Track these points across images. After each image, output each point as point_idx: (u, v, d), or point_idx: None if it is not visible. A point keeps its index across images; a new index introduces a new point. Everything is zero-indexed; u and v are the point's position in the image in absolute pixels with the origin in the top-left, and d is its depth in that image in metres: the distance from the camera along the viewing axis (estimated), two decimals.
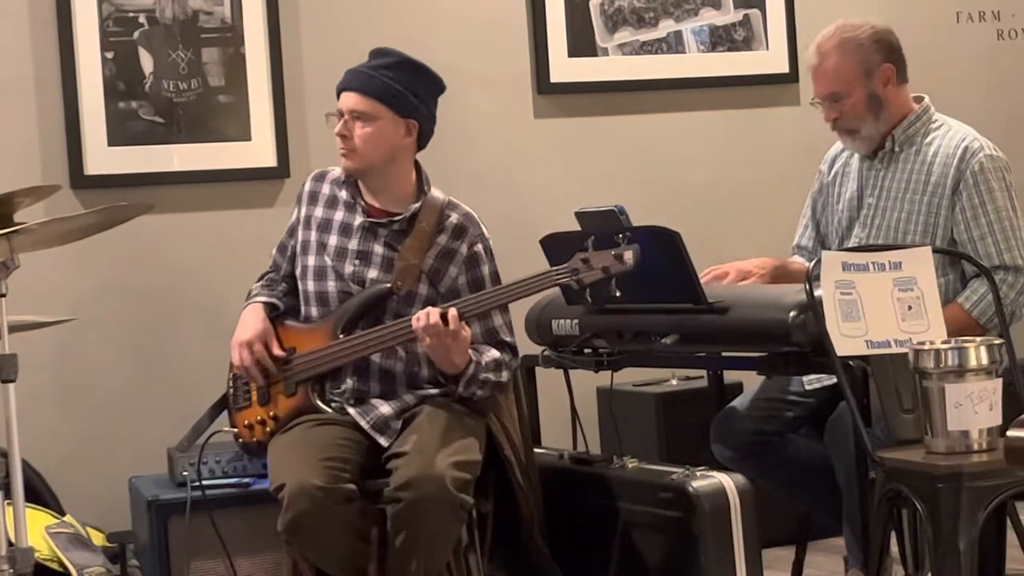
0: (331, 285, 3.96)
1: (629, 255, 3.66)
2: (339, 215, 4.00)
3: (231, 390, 4.07)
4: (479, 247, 3.97)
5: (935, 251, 3.62)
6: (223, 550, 4.05)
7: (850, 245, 4.10)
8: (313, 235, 4.02)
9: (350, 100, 3.90)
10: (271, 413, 3.95)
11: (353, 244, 3.96)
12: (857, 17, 4.13)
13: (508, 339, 3.96)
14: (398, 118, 3.92)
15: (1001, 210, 3.93)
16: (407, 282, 3.90)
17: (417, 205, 3.96)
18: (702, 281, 3.93)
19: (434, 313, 3.71)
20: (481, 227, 4.00)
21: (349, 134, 3.90)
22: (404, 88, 3.91)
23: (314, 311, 3.99)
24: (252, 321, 3.99)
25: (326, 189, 4.06)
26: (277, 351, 3.96)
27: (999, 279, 3.87)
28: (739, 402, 4.18)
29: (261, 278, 4.14)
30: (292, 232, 4.11)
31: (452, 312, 3.72)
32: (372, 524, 3.70)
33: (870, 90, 4.03)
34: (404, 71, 3.92)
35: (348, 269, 3.95)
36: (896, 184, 4.05)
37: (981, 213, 3.93)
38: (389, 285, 3.90)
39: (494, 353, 3.90)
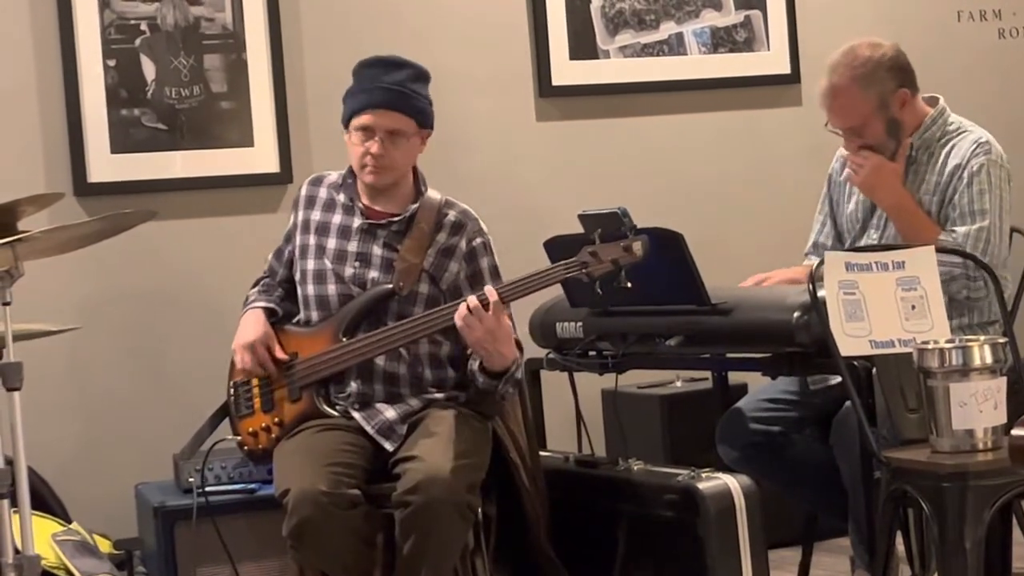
0: (331, 288, 3.96)
1: (638, 246, 3.66)
2: (337, 218, 4.01)
3: (232, 398, 4.07)
4: (478, 241, 3.98)
5: (939, 251, 3.62)
6: (229, 556, 4.05)
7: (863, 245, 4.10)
8: (311, 239, 4.02)
9: (387, 119, 3.88)
10: (276, 419, 3.95)
11: (352, 246, 3.96)
12: (863, 40, 4.07)
13: (514, 335, 3.97)
14: (421, 130, 3.95)
15: (988, 212, 3.91)
16: (409, 282, 3.90)
17: (415, 206, 3.96)
18: (742, 286, 3.96)
19: (472, 300, 3.70)
20: (479, 223, 4.00)
21: (385, 152, 3.90)
22: (426, 100, 3.95)
23: (315, 315, 3.99)
24: (252, 325, 4.00)
25: (323, 193, 4.06)
26: (280, 354, 3.96)
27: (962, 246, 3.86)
28: (744, 403, 4.18)
29: (256, 284, 4.15)
30: (289, 238, 4.11)
31: (489, 290, 3.71)
32: (377, 529, 3.70)
33: (888, 117, 4.02)
34: (421, 82, 3.95)
35: (348, 271, 3.95)
36: (911, 187, 4.04)
37: (967, 212, 3.92)
38: (391, 286, 3.90)
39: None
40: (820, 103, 4.10)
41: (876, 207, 4.11)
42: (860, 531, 3.85)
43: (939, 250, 3.75)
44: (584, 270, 3.71)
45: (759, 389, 4.19)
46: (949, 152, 4.02)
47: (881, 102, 4.01)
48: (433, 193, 4.00)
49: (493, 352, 3.76)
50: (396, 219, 3.96)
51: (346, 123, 3.95)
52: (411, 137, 3.93)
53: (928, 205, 4.01)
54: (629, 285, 3.68)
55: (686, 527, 3.75)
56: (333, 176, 4.08)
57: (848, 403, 3.76)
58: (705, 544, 3.70)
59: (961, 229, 3.91)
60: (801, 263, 4.29)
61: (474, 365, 3.86)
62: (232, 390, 4.06)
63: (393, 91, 3.89)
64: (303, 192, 4.10)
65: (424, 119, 3.95)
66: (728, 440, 4.13)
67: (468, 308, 3.70)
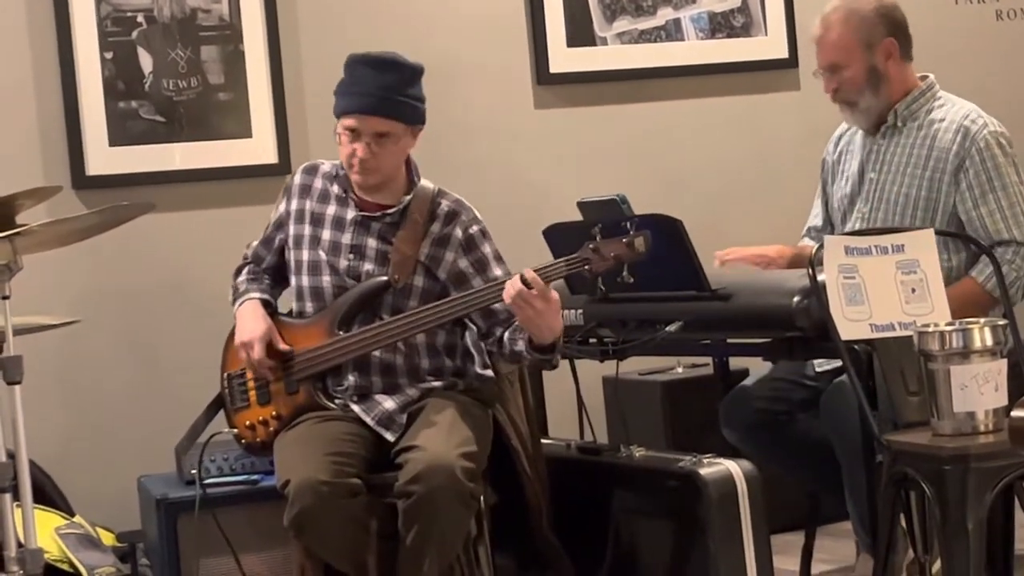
0: (326, 280, 3.95)
1: (640, 242, 3.65)
2: (331, 209, 4.00)
3: (226, 390, 4.06)
4: (474, 229, 3.96)
5: (938, 233, 3.62)
6: (231, 547, 4.05)
7: (852, 220, 4.12)
8: (306, 229, 4.00)
9: (371, 124, 3.85)
10: (273, 412, 3.95)
11: (346, 238, 3.96)
12: None
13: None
14: (411, 127, 3.92)
15: (1008, 186, 3.95)
16: (404, 275, 3.89)
17: (408, 197, 3.95)
18: (720, 258, 3.96)
19: (515, 281, 3.66)
20: (473, 211, 3.98)
21: (371, 155, 3.88)
22: (415, 100, 3.91)
23: (309, 306, 3.98)
24: (253, 319, 3.98)
25: (318, 183, 4.05)
26: (283, 346, 3.95)
27: (1012, 252, 3.88)
28: (749, 383, 4.19)
29: (239, 271, 4.12)
30: (280, 225, 4.08)
31: (528, 272, 3.67)
32: (378, 519, 3.70)
33: (870, 63, 4.04)
34: (411, 81, 3.90)
35: (343, 263, 3.94)
36: (898, 159, 4.06)
37: (989, 190, 3.94)
38: (386, 278, 3.89)
39: None
40: (811, 40, 4.13)
41: (864, 180, 4.12)
42: (859, 510, 3.85)
43: (995, 246, 3.79)
44: (586, 266, 3.70)
45: (765, 370, 4.19)
46: (937, 126, 4.02)
47: (867, 44, 4.04)
48: (426, 183, 3.99)
49: (544, 327, 3.71)
50: (390, 211, 3.95)
51: (335, 117, 3.94)
52: (400, 138, 3.89)
53: (920, 180, 4.01)
54: (632, 280, 3.67)
55: (688, 513, 3.75)
56: (327, 166, 4.06)
57: (836, 380, 3.78)
58: (707, 529, 3.70)
59: (995, 216, 3.91)
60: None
61: (519, 345, 3.82)
62: (226, 382, 4.06)
63: (380, 97, 3.85)
64: (297, 180, 4.08)
65: (414, 118, 3.91)
66: (732, 419, 4.14)
67: (518, 289, 3.64)
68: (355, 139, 3.86)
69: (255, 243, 4.14)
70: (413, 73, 3.92)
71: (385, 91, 3.85)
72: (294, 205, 4.05)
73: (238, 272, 4.12)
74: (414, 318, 3.83)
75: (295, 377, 3.93)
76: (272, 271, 4.10)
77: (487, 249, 3.96)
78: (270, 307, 4.03)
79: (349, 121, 3.86)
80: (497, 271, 3.92)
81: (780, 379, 4.14)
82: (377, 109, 3.85)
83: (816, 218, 4.32)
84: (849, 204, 4.16)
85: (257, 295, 4.03)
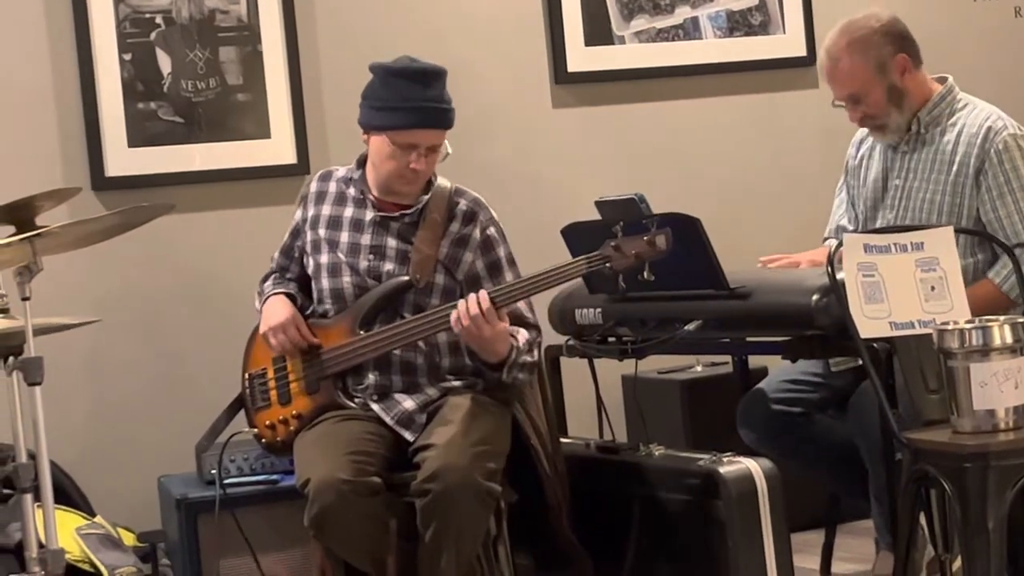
0: (346, 281, 3.96)
1: (661, 239, 3.66)
2: (349, 211, 4.01)
3: (247, 390, 4.07)
4: (491, 230, 3.98)
5: (958, 231, 3.62)
6: (250, 547, 4.06)
7: (877, 227, 4.10)
8: (323, 233, 4.01)
9: (434, 137, 3.89)
10: (294, 412, 3.96)
11: (366, 239, 3.96)
12: (861, 12, 4.09)
13: (531, 318, 3.97)
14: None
15: None
16: (425, 273, 3.90)
17: (427, 196, 3.96)
18: (763, 263, 3.96)
19: (471, 303, 3.71)
20: (490, 211, 4.00)
21: (427, 167, 3.90)
22: (452, 106, 3.94)
23: (330, 308, 3.98)
24: (279, 309, 3.99)
25: (333, 187, 4.06)
26: (312, 339, 3.95)
27: None
28: (765, 384, 4.19)
29: (265, 280, 4.13)
30: (296, 234, 4.11)
31: (482, 295, 3.72)
32: (398, 517, 3.71)
33: (888, 84, 4.02)
34: (446, 87, 3.93)
35: (363, 264, 3.95)
36: (922, 165, 4.05)
37: (1007, 191, 3.93)
38: (407, 278, 3.90)
39: (525, 333, 3.90)
40: (821, 76, 4.11)
41: (888, 187, 4.11)
42: (882, 510, 3.85)
43: (1015, 247, 3.79)
44: (607, 264, 3.70)
45: (780, 370, 4.19)
46: (960, 130, 4.01)
47: (879, 66, 4.02)
48: (443, 181, 4.00)
49: (486, 350, 3.79)
50: (408, 211, 3.96)
51: (373, 129, 3.91)
52: (441, 146, 3.94)
53: (945, 185, 4.00)
54: (653, 279, 3.67)
55: (708, 511, 3.75)
56: (341, 171, 4.08)
57: (864, 383, 3.77)
58: (727, 528, 3.70)
59: (1013, 218, 3.90)
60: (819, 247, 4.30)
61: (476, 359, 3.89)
62: (247, 382, 4.07)
63: (438, 109, 3.89)
64: (312, 188, 4.10)
65: (453, 123, 3.97)
66: (749, 420, 4.14)
67: (465, 313, 3.71)
68: (409, 152, 3.87)
69: (277, 254, 4.15)
70: (445, 76, 3.94)
71: (438, 103, 3.89)
72: (310, 212, 4.06)
73: (264, 280, 4.14)
74: (435, 317, 3.83)
75: (316, 376, 3.94)
76: (298, 281, 4.10)
77: (502, 252, 3.98)
78: (295, 303, 4.03)
79: (408, 137, 3.86)
80: (508, 275, 3.95)
81: (796, 380, 4.13)
82: (436, 122, 3.89)
83: (842, 219, 4.30)
84: (872, 210, 4.14)
85: (282, 291, 4.04)
